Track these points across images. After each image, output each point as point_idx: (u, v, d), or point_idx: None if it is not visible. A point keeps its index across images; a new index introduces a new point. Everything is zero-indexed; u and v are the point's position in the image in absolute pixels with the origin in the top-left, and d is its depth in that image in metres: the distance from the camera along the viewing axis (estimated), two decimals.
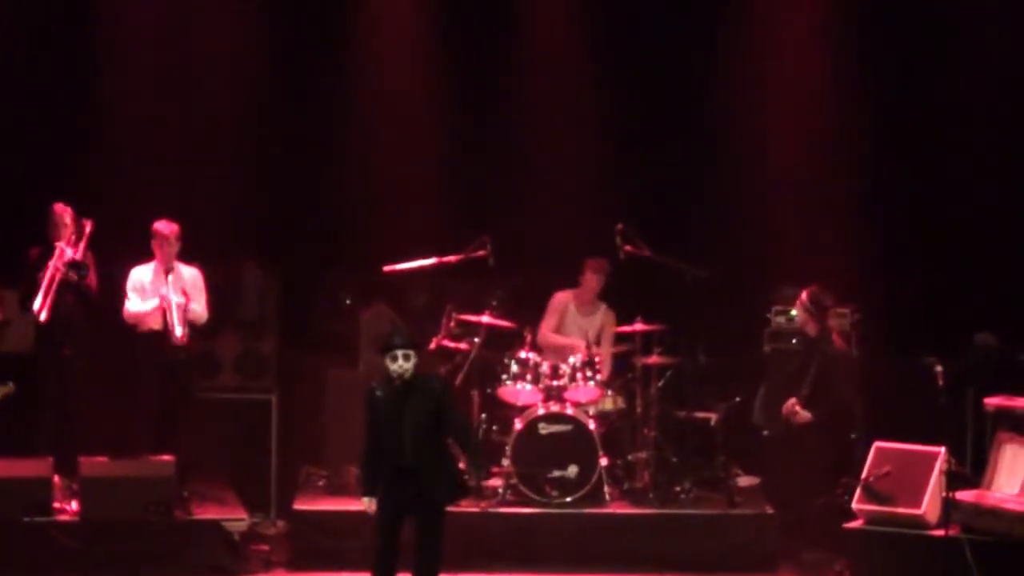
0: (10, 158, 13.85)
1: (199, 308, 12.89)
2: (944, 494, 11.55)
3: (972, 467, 12.38)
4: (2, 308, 13.05)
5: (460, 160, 14.38)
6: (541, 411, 12.94)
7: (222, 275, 13.45)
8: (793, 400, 12.62)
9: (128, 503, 12.21)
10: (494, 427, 13.23)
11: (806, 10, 14.36)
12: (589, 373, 13.08)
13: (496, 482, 12.88)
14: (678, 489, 13.03)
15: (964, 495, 11.61)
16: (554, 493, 12.73)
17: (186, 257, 12.95)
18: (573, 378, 13.05)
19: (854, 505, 12.05)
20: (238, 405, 13.67)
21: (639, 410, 13.25)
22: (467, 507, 12.26)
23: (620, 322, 13.49)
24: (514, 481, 12.75)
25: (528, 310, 13.56)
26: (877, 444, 12.13)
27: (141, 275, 12.88)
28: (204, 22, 14.23)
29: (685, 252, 13.35)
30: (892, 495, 11.87)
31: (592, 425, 12.89)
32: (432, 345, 13.07)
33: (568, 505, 12.72)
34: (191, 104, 14.16)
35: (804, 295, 12.80)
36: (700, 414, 13.36)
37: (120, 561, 12.11)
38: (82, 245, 12.83)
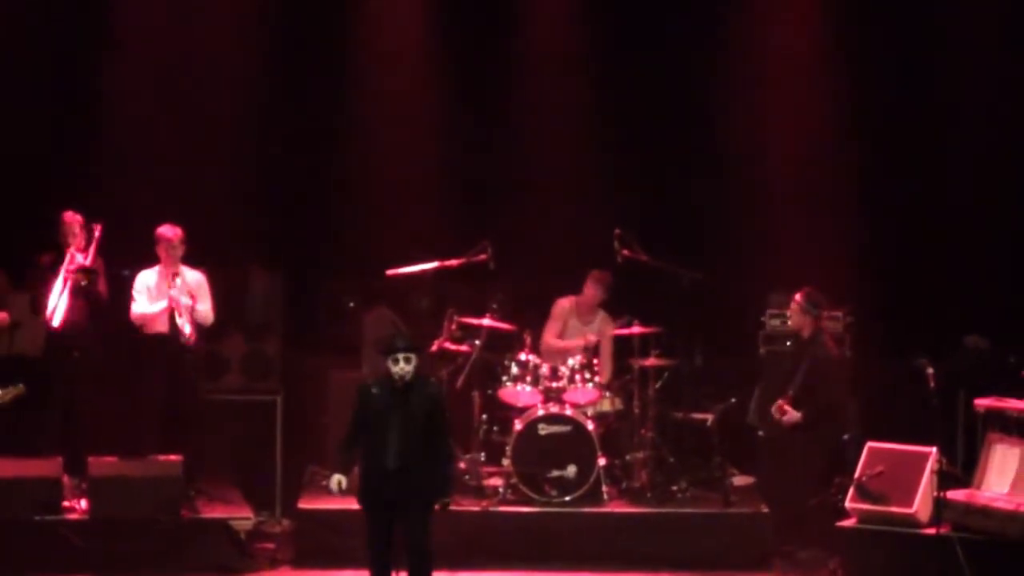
0: (19, 164, 13.89)
1: (205, 309, 12.90)
2: (935, 493, 11.51)
3: (963, 467, 12.44)
4: (13, 312, 13.04)
5: (462, 166, 14.39)
6: (541, 412, 12.95)
7: (228, 279, 13.43)
8: (781, 401, 12.62)
9: (136, 502, 12.25)
10: (495, 428, 13.24)
11: (804, 15, 14.37)
12: (588, 375, 13.09)
13: (497, 481, 12.93)
14: (675, 488, 13.07)
15: (955, 494, 11.58)
16: (553, 492, 12.75)
17: (192, 261, 12.97)
18: (572, 380, 13.06)
19: (847, 504, 12.04)
20: (244, 406, 13.65)
21: (637, 411, 13.24)
22: (468, 506, 12.38)
23: (618, 324, 13.46)
24: (514, 480, 12.77)
25: (528, 313, 13.57)
26: (870, 444, 12.11)
27: (147, 279, 12.89)
28: (205, 29, 14.24)
29: (681, 256, 13.35)
30: (885, 494, 11.86)
31: (591, 426, 12.90)
32: (434, 347, 13.06)
33: (567, 504, 12.73)
34: (195, 110, 14.16)
35: (799, 296, 12.77)
36: (696, 415, 13.38)
37: (128, 559, 12.14)
38: (92, 250, 12.85)
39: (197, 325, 12.85)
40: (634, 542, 12.58)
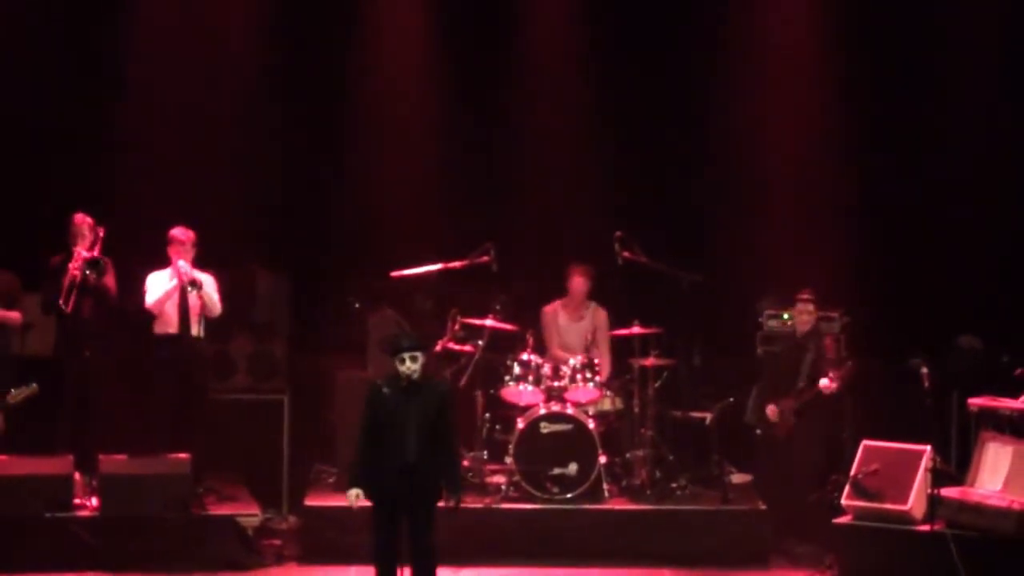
0: (29, 168, 13.96)
1: (213, 294, 12.88)
2: (929, 491, 11.59)
3: (956, 465, 12.46)
4: (25, 313, 13.05)
5: (464, 168, 14.41)
6: (543, 411, 13.01)
7: (234, 281, 13.46)
8: (772, 406, 12.77)
9: (146, 499, 12.31)
10: (497, 426, 13.30)
11: (804, 16, 14.40)
12: (589, 375, 13.13)
13: (499, 479, 12.98)
14: (674, 486, 13.14)
15: (949, 492, 11.63)
16: (555, 490, 12.81)
17: (200, 264, 13.01)
18: (573, 379, 13.11)
19: (843, 501, 12.07)
20: (251, 405, 13.74)
21: (637, 410, 13.29)
22: (471, 503, 12.34)
23: (619, 325, 13.52)
24: (517, 478, 12.83)
25: (530, 314, 13.62)
26: (865, 443, 12.13)
27: (158, 280, 12.95)
28: (210, 33, 14.29)
29: (681, 257, 13.40)
30: (880, 492, 11.89)
31: (592, 424, 12.95)
32: (438, 348, 13.10)
33: (569, 501, 12.79)
34: (199, 112, 14.20)
35: (807, 294, 12.86)
36: (695, 414, 13.45)
37: (138, 555, 12.16)
38: (97, 248, 12.87)
39: (205, 317, 12.87)
40: (634, 538, 12.63)
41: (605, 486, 12.94)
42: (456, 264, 13.40)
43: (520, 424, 13.00)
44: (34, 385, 12.39)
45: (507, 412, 13.34)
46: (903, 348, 12.45)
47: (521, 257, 13.78)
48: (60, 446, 12.74)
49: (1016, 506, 11.40)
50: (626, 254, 13.27)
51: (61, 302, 12.70)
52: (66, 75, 14.20)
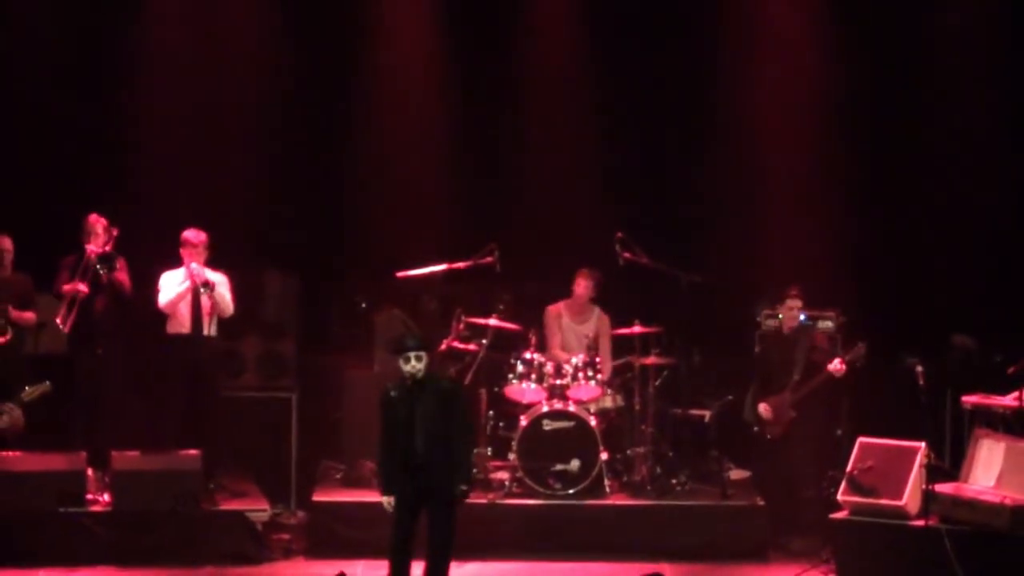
0: (44, 169, 14.05)
1: (226, 294, 12.95)
2: (924, 487, 11.59)
3: (951, 461, 12.45)
4: (39, 313, 13.07)
5: (470, 172, 14.47)
6: (545, 408, 13.09)
7: (243, 281, 13.50)
8: (764, 404, 12.82)
9: (157, 495, 12.37)
10: (501, 424, 13.38)
11: (803, 16, 14.42)
12: (590, 373, 13.21)
13: (503, 475, 13.05)
14: (674, 482, 13.22)
15: (943, 488, 11.65)
16: (557, 486, 12.89)
17: (212, 264, 13.11)
18: (575, 377, 13.19)
19: (839, 497, 12.08)
20: (260, 403, 13.79)
21: (637, 408, 13.37)
22: (475, 499, 12.24)
23: (619, 324, 13.60)
24: (520, 474, 12.92)
25: (533, 314, 13.66)
26: (861, 439, 12.16)
27: (171, 279, 13.04)
28: (224, 41, 14.35)
29: (680, 256, 13.47)
30: (875, 487, 11.90)
31: (593, 422, 13.04)
32: (442, 346, 13.18)
33: (571, 497, 12.87)
34: (209, 115, 14.27)
35: (793, 290, 12.92)
36: (695, 411, 13.55)
37: (149, 550, 12.27)
38: (109, 247, 12.94)
39: (218, 315, 12.96)
40: (635, 533, 12.71)
41: (606, 482, 13.02)
42: (461, 265, 13.48)
43: (523, 421, 13.08)
44: (47, 383, 12.49)
45: (510, 409, 13.40)
46: (898, 347, 12.52)
47: (524, 258, 13.80)
48: (73, 442, 12.82)
49: (1009, 502, 11.43)
50: (627, 255, 13.33)
51: (59, 320, 12.76)
52: (79, 76, 14.25)
